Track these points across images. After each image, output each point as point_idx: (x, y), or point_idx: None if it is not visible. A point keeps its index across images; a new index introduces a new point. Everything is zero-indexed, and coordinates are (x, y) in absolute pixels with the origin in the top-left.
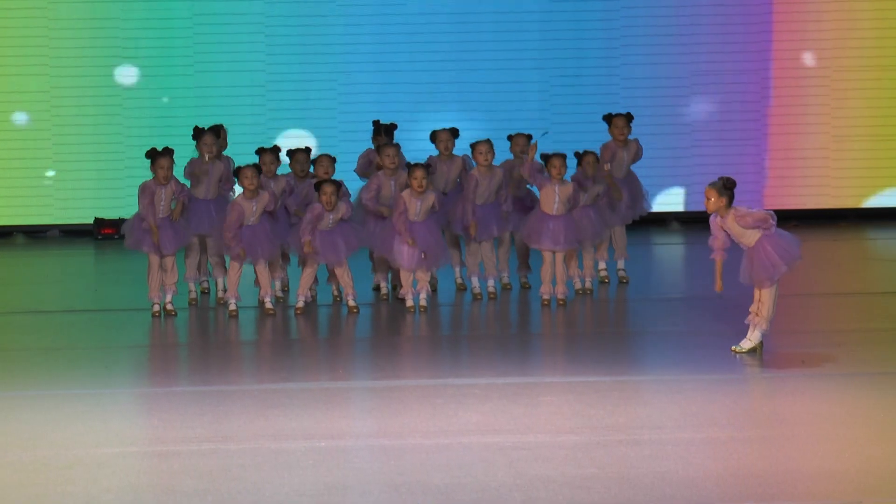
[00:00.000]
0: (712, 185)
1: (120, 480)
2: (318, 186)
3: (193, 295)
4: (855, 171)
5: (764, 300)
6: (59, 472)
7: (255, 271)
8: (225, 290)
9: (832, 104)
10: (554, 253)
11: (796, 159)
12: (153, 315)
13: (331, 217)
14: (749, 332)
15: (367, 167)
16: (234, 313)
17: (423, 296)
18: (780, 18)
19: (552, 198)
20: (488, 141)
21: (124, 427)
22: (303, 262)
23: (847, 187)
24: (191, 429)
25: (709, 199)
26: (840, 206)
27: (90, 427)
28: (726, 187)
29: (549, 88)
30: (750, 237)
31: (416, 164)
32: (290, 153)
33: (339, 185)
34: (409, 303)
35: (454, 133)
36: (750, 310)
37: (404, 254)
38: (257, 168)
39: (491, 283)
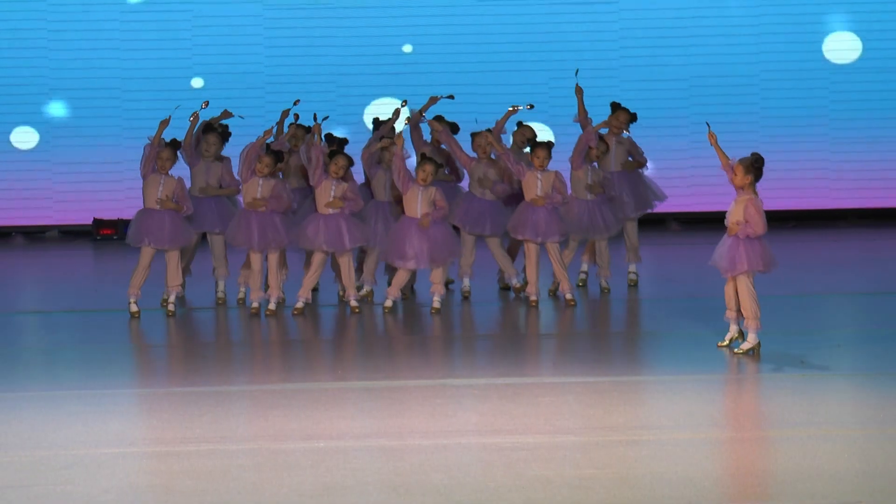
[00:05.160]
0: (742, 160)
1: (119, 481)
2: (331, 155)
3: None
4: (854, 172)
5: (743, 300)
6: (59, 472)
7: (247, 269)
8: (224, 293)
9: (831, 104)
10: (539, 247)
11: (797, 154)
12: (131, 315)
13: (333, 185)
14: (747, 335)
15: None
16: (255, 311)
17: (436, 298)
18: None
19: (534, 186)
20: (489, 132)
21: (123, 427)
22: (309, 263)
23: (847, 185)
24: (190, 429)
25: (735, 174)
26: (840, 206)
27: (89, 427)
28: (755, 165)
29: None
30: (737, 217)
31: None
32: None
33: (350, 160)
34: (388, 304)
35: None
36: (728, 307)
37: (408, 255)
38: (277, 158)
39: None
